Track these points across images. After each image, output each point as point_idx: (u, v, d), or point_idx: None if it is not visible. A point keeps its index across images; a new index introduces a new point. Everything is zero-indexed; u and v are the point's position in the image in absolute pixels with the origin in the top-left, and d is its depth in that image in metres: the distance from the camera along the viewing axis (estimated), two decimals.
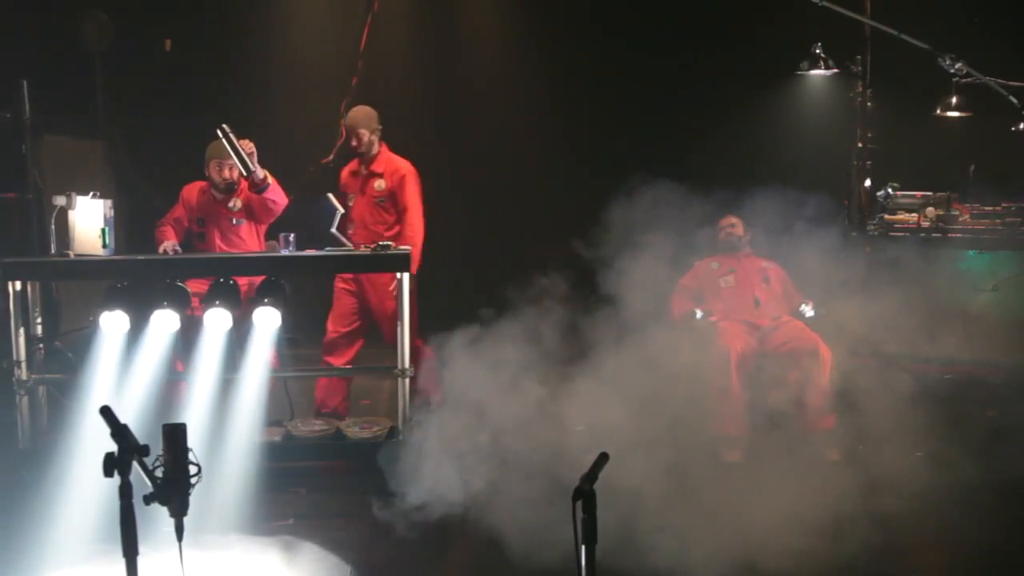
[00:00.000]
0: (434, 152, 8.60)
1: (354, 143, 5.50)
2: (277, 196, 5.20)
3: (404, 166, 5.59)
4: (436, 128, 8.50)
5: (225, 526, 4.00)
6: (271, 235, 5.44)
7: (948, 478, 4.36)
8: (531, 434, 4.21)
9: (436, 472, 4.07)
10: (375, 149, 5.53)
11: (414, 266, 5.40)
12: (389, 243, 5.04)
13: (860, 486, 4.31)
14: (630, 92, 8.03)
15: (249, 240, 5.37)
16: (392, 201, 5.52)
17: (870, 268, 5.43)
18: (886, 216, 6.60)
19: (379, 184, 5.52)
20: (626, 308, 4.84)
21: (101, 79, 7.67)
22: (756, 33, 7.48)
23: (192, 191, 5.44)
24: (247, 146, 4.99)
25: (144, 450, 2.08)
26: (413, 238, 5.44)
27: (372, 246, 4.98)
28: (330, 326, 5.63)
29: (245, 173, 5.01)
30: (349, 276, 5.55)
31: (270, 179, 5.14)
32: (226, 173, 5.24)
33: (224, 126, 4.85)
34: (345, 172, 5.73)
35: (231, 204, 5.32)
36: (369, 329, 5.68)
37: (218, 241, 5.34)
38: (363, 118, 5.51)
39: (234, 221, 5.33)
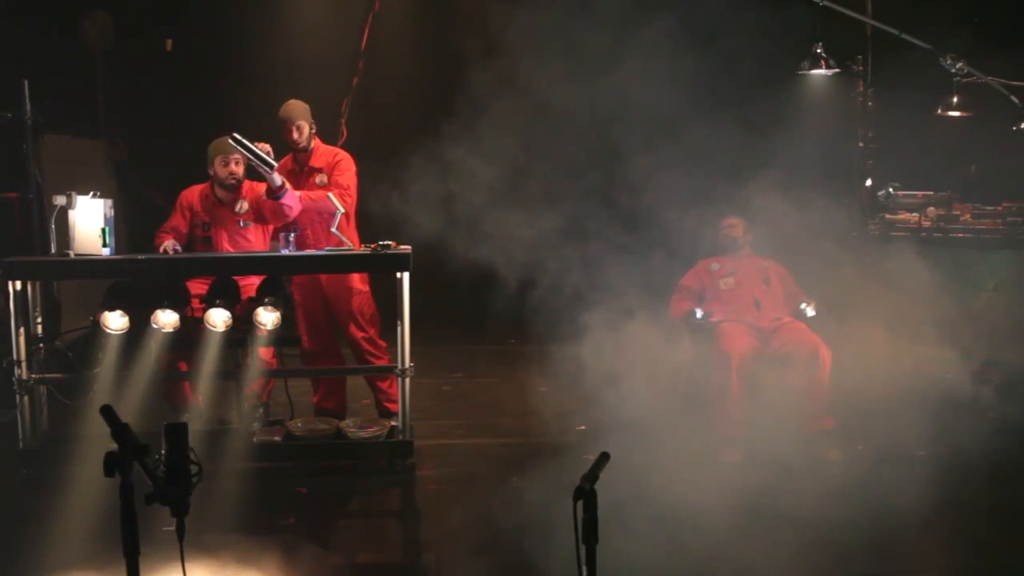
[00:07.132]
0: (434, 151, 8.61)
1: (294, 137, 5.20)
2: (293, 202, 5.00)
3: (340, 152, 5.40)
4: (437, 128, 8.48)
5: (226, 526, 4.00)
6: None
7: (948, 478, 4.36)
8: None
9: None
10: (312, 143, 5.32)
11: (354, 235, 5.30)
12: (389, 243, 4.96)
13: (860, 485, 4.31)
14: (628, 93, 8.01)
15: (256, 242, 5.27)
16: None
17: (871, 268, 5.43)
18: (887, 216, 6.60)
19: (320, 180, 5.25)
20: None
21: (101, 79, 7.70)
22: (756, 32, 7.47)
23: (193, 196, 5.30)
24: (263, 147, 4.87)
25: (145, 450, 2.07)
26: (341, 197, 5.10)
27: (373, 246, 4.93)
28: (306, 343, 5.43)
29: (269, 169, 4.84)
30: (305, 280, 5.34)
31: (288, 185, 4.98)
32: (232, 167, 5.14)
33: (235, 134, 4.72)
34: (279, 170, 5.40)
35: (238, 207, 5.22)
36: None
37: (225, 244, 5.23)
38: (301, 111, 5.23)
39: (242, 224, 5.23)
